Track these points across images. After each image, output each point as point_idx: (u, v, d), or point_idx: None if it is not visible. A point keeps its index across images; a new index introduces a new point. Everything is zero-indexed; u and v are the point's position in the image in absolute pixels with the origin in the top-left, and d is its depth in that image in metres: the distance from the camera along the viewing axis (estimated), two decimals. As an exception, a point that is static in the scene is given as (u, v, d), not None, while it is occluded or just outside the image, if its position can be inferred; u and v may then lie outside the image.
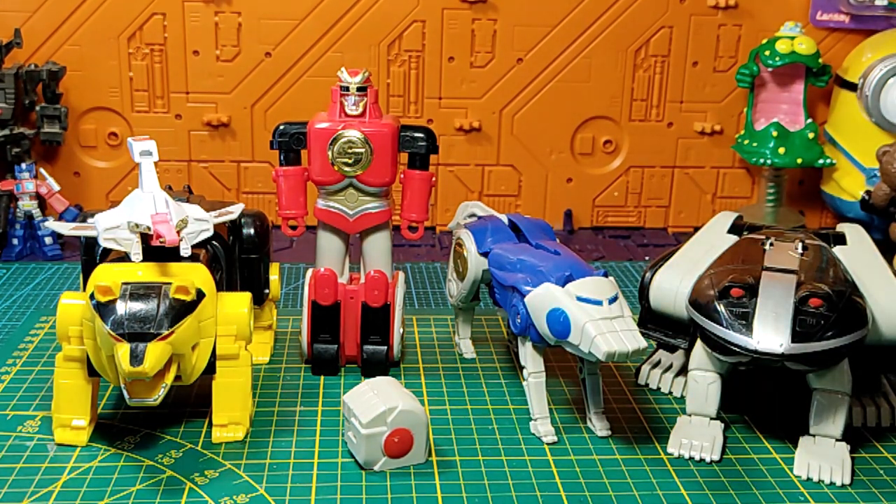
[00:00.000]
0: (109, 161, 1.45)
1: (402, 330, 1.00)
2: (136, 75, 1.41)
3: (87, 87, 1.41)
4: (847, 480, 0.82)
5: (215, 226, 0.87)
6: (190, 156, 1.45)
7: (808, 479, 0.82)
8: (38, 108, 1.36)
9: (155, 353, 0.75)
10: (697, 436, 0.86)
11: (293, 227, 0.99)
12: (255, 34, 1.41)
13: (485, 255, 0.96)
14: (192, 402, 0.92)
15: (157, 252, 0.82)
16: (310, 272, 0.99)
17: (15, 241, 1.34)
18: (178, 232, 0.81)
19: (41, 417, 0.89)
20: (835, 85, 1.47)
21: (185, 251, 0.83)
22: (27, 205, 1.34)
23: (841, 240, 0.95)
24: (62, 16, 1.38)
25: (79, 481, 0.79)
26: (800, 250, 0.88)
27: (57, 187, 1.35)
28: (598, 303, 0.82)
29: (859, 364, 0.85)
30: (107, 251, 0.86)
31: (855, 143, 1.44)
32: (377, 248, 0.99)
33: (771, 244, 0.89)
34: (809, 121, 1.44)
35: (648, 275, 0.94)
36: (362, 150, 0.94)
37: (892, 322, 0.86)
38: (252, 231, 0.99)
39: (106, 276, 0.81)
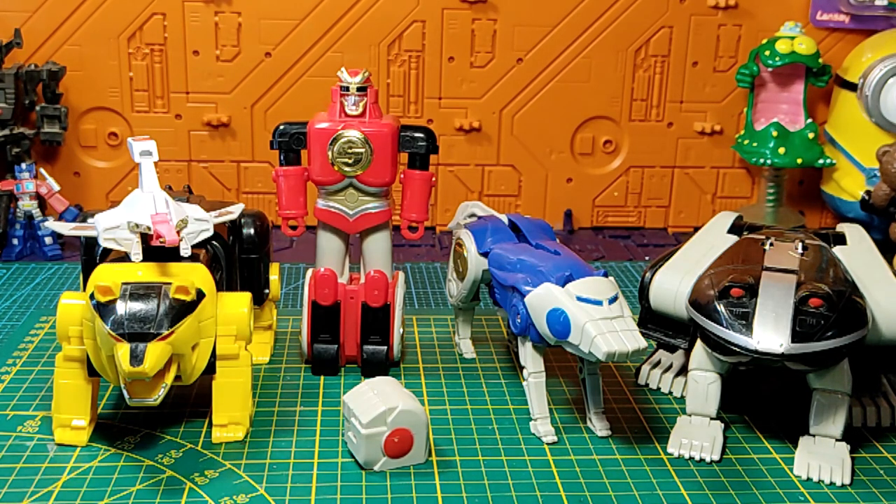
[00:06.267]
0: (109, 161, 1.45)
1: (402, 330, 1.00)
2: (136, 75, 1.41)
3: (87, 87, 1.41)
4: (847, 480, 0.82)
5: (215, 226, 0.87)
6: (190, 156, 1.45)
7: (808, 479, 0.82)
8: (38, 108, 1.36)
9: (155, 353, 0.75)
10: (697, 436, 0.86)
11: (293, 227, 0.99)
12: (255, 34, 1.41)
13: (485, 255, 0.96)
14: (192, 402, 0.92)
15: (157, 252, 0.82)
16: (310, 272, 0.99)
17: (15, 241, 1.34)
18: (178, 232, 0.81)
19: (41, 417, 0.89)
20: (835, 85, 1.47)
21: (185, 251, 0.83)
22: (27, 205, 1.34)
23: (841, 240, 0.95)
24: (62, 16, 1.39)
25: (79, 481, 0.80)
26: (800, 250, 0.88)
27: (57, 187, 1.35)
28: (598, 303, 0.82)
29: (859, 364, 0.85)
30: (107, 251, 0.86)
31: (855, 143, 1.44)
32: (377, 248, 0.99)
33: (771, 244, 0.89)
34: (809, 121, 1.44)
35: (648, 275, 0.94)
36: (362, 150, 0.94)
37: (892, 322, 0.86)
38: (252, 231, 0.99)
39: (106, 276, 0.81)
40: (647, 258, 1.40)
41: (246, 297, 0.87)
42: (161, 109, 1.43)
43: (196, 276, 0.82)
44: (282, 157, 0.97)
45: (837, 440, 0.84)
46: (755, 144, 1.44)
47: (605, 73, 1.46)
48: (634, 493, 0.80)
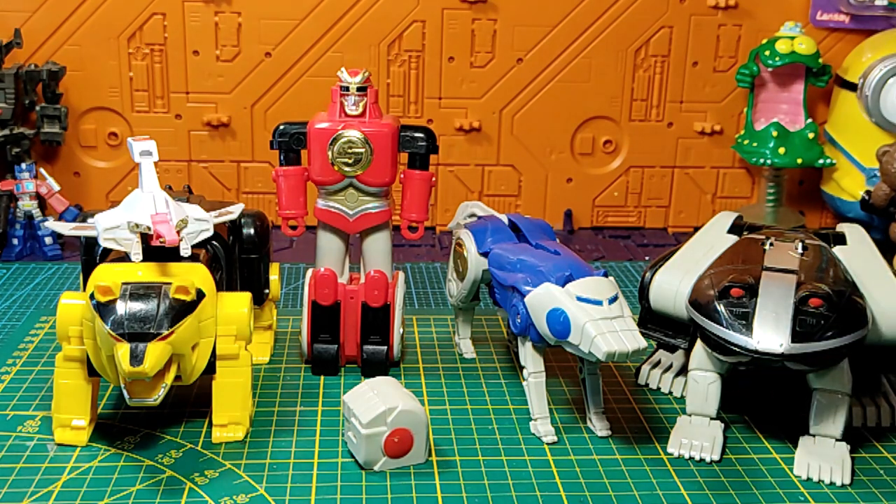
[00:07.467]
0: (109, 161, 1.45)
1: (402, 330, 1.00)
2: (136, 75, 1.41)
3: (87, 87, 1.41)
4: (847, 480, 0.82)
5: (215, 226, 0.87)
6: (190, 156, 1.45)
7: (808, 479, 0.82)
8: (38, 108, 1.36)
9: (155, 353, 0.75)
10: (697, 436, 0.86)
11: (293, 227, 0.99)
12: (255, 34, 1.41)
13: (485, 255, 0.96)
14: (192, 402, 0.92)
15: (157, 252, 0.82)
16: (310, 272, 0.99)
17: (15, 241, 1.34)
18: (178, 232, 0.81)
19: (41, 417, 0.89)
20: (835, 85, 1.47)
21: (185, 251, 0.83)
22: (27, 205, 1.34)
23: (841, 240, 0.95)
24: (62, 16, 1.39)
25: (79, 481, 0.80)
26: (800, 250, 0.88)
27: (57, 187, 1.35)
28: (598, 303, 0.82)
29: (859, 364, 0.85)
30: (107, 251, 0.86)
31: (855, 143, 1.44)
32: (377, 248, 0.99)
33: (771, 244, 0.89)
34: (809, 121, 1.44)
35: (648, 275, 0.94)
36: (362, 150, 0.94)
37: (892, 322, 0.86)
38: (252, 231, 0.99)
39: (106, 276, 0.81)
40: (647, 258, 1.40)
41: (246, 297, 0.87)
42: (161, 109, 1.43)
43: (196, 276, 0.82)
44: (282, 157, 0.97)
45: (837, 440, 0.84)
46: (755, 144, 1.44)
47: (605, 73, 1.46)
48: (634, 493, 0.80)
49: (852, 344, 0.80)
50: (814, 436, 0.84)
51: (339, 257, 0.99)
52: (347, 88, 0.94)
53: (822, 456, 0.83)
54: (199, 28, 1.40)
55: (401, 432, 0.81)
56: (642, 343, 0.81)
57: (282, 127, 0.96)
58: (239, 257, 0.99)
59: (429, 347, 1.06)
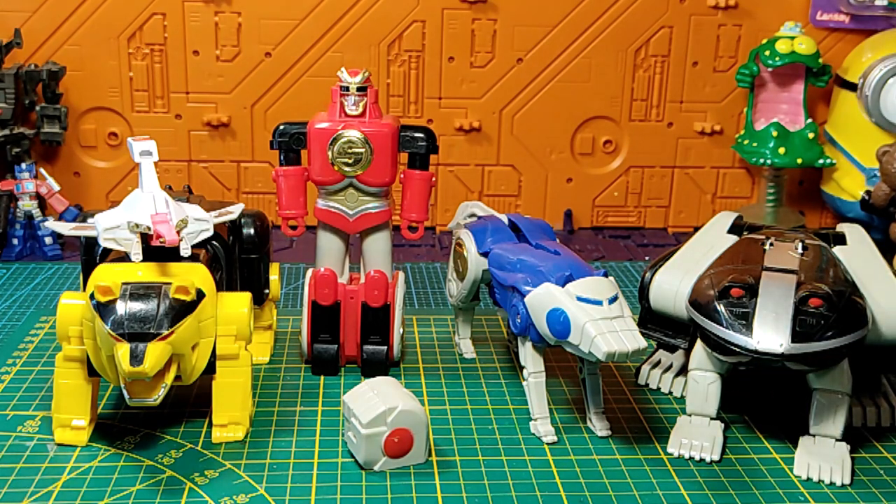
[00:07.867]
0: (109, 161, 1.45)
1: (402, 330, 1.00)
2: (136, 75, 1.41)
3: (87, 87, 1.41)
4: (847, 480, 0.82)
5: (215, 226, 0.87)
6: (190, 156, 1.45)
7: (808, 479, 0.82)
8: (38, 108, 1.36)
9: (155, 353, 0.75)
10: (697, 436, 0.86)
11: (293, 227, 0.99)
12: (255, 34, 1.41)
13: (485, 255, 0.96)
14: (192, 402, 0.92)
15: (157, 252, 0.82)
16: (310, 272, 0.99)
17: (15, 241, 1.34)
18: (178, 232, 0.81)
19: (41, 417, 0.89)
20: (835, 85, 1.47)
21: (185, 251, 0.83)
22: (27, 205, 1.34)
23: (841, 240, 0.95)
24: (62, 16, 1.39)
25: (79, 481, 0.80)
26: (800, 250, 0.88)
27: (57, 187, 1.35)
28: (598, 303, 0.82)
29: (859, 364, 0.85)
30: (107, 251, 0.86)
31: (855, 143, 1.44)
32: (377, 248, 0.99)
33: (771, 244, 0.89)
34: (809, 121, 1.44)
35: (648, 275, 0.94)
36: (362, 150, 0.94)
37: (892, 322, 0.86)
38: (252, 231, 0.99)
39: (106, 276, 0.81)
40: (647, 258, 1.40)
41: (246, 297, 0.87)
42: (161, 109, 1.43)
43: (196, 276, 0.82)
44: (282, 157, 0.97)
45: (837, 440, 0.84)
46: (755, 144, 1.44)
47: (605, 73, 1.46)
48: (634, 493, 0.80)
49: (852, 344, 0.80)
50: (814, 436, 0.84)
51: (339, 257, 0.99)
52: (347, 88, 0.94)
53: (822, 456, 0.83)
54: (199, 28, 1.40)
55: (401, 432, 0.81)
56: (642, 343, 0.81)
57: (282, 127, 0.96)
58: (239, 257, 0.99)
59: (429, 347, 1.06)
